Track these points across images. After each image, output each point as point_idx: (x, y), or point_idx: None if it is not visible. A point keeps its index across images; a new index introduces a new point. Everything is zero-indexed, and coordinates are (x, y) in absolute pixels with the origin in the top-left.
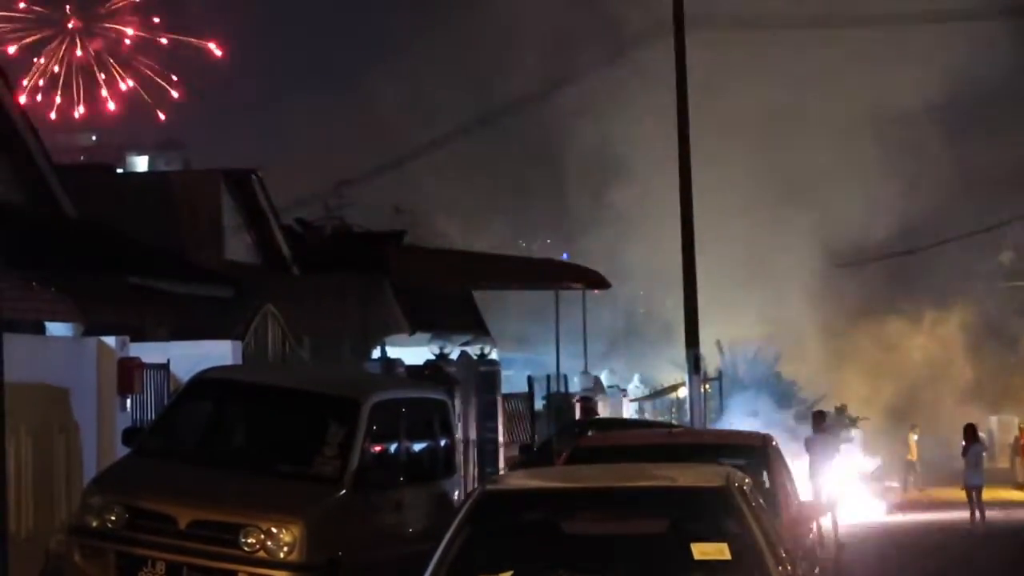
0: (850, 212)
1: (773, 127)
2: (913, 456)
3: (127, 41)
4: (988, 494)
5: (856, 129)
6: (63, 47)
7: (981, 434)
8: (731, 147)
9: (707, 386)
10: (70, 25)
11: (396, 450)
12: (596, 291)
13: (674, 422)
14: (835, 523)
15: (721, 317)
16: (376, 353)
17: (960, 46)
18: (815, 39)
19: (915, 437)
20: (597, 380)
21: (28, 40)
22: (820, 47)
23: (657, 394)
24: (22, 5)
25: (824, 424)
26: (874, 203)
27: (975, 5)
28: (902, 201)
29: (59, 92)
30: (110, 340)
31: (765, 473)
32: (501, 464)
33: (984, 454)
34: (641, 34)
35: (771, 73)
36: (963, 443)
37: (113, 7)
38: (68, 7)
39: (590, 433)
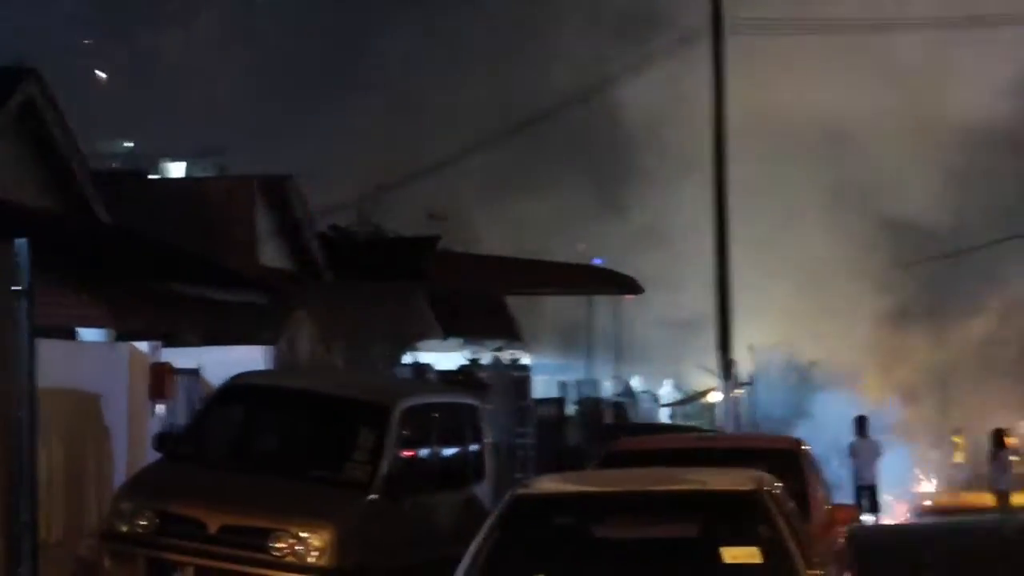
0: (901, 212)
1: (824, 130)
2: (960, 458)
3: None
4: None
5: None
6: None
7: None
8: (778, 147)
9: (740, 391)
10: None
11: (427, 455)
12: (629, 296)
13: (706, 427)
14: (877, 526)
15: (756, 320)
16: (408, 359)
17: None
18: (865, 41)
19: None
20: (629, 385)
21: None
22: (870, 49)
23: (689, 399)
24: None
25: (867, 428)
26: (926, 206)
27: None
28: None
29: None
30: (142, 345)
31: (796, 477)
32: (533, 469)
33: (1012, 459)
34: (684, 35)
35: (822, 74)
36: (991, 448)
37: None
38: None
39: (621, 438)
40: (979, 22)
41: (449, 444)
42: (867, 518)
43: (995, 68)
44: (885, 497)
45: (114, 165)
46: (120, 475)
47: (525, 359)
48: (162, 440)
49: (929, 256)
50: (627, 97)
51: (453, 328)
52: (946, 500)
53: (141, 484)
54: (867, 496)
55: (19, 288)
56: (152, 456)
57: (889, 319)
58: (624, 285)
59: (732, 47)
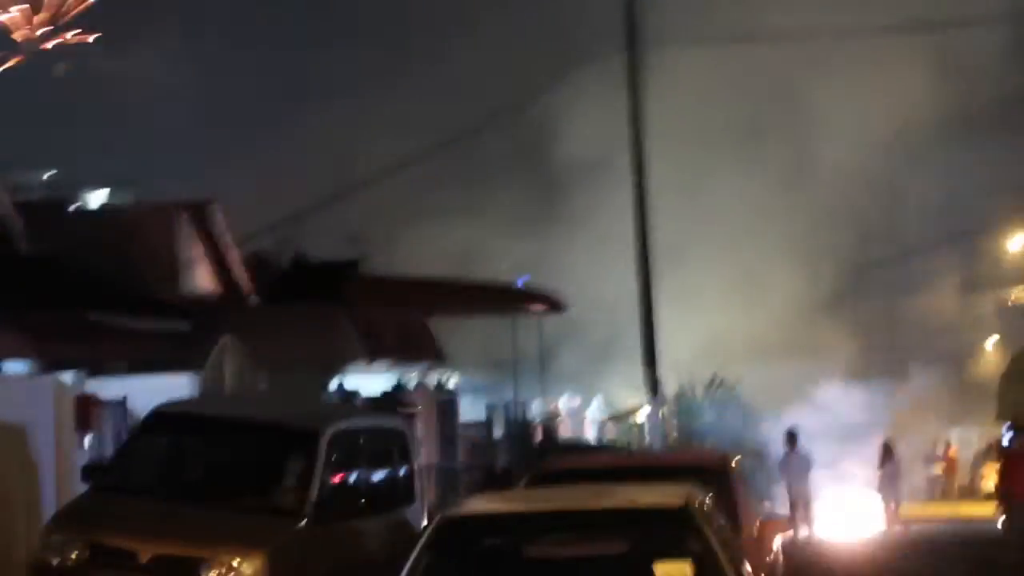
0: (837, 235)
1: (760, 141)
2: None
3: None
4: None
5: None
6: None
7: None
8: (720, 163)
9: (666, 409)
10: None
11: (356, 480)
12: (553, 314)
13: (635, 444)
14: (811, 539)
15: (685, 338)
16: (335, 384)
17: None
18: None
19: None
20: (556, 405)
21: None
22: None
23: (617, 417)
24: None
25: (796, 443)
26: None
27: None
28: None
29: None
30: (67, 375)
31: (726, 491)
32: (463, 491)
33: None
34: (605, 50)
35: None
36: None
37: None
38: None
39: (550, 458)
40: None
41: (378, 468)
42: (802, 530)
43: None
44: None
45: (33, 196)
46: (49, 507)
47: (451, 381)
48: (90, 471)
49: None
50: (548, 113)
51: (378, 352)
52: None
53: (71, 515)
54: (801, 508)
55: None
56: (80, 487)
57: (815, 327)
58: (548, 303)
59: (651, 58)
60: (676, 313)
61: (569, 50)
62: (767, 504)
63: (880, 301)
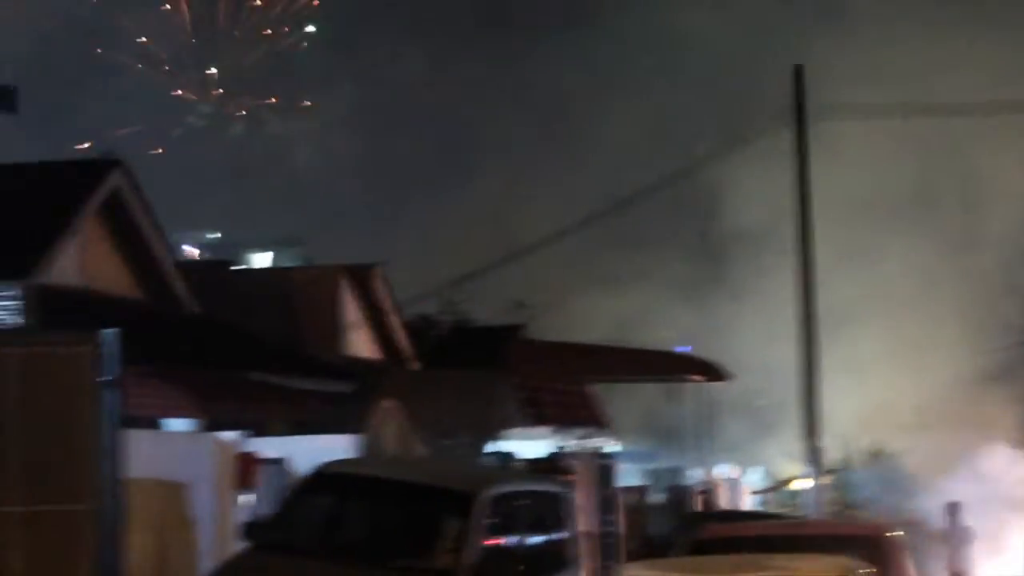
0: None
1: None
2: None
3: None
4: None
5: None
6: None
7: None
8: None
9: (827, 478)
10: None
11: (513, 543)
12: (715, 381)
13: (794, 514)
14: None
15: (847, 408)
16: (494, 447)
17: None
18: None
19: None
20: (716, 473)
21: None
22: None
23: (776, 486)
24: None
25: (957, 515)
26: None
27: None
28: None
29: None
30: (228, 434)
31: (885, 563)
32: (621, 557)
33: None
34: (766, 119)
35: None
36: None
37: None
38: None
39: (709, 525)
40: None
41: (535, 532)
42: None
43: None
44: None
45: (201, 256)
46: (206, 564)
47: (611, 446)
48: (250, 528)
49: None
50: (711, 183)
51: (538, 416)
52: None
53: (229, 572)
54: None
55: (107, 378)
56: (237, 546)
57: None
58: (711, 372)
59: (814, 131)
60: (839, 382)
61: (740, 122)
62: None
63: None
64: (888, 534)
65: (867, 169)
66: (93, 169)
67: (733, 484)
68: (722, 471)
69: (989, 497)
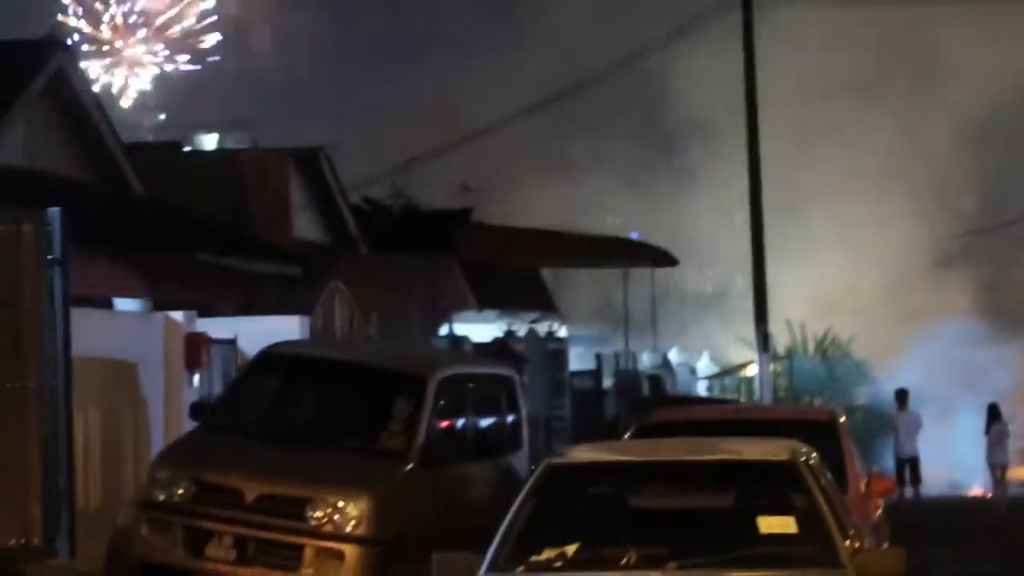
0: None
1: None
2: None
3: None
4: None
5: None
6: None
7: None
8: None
9: (777, 365)
10: None
11: (463, 425)
12: (664, 267)
13: (743, 400)
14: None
15: (797, 294)
16: (443, 331)
17: None
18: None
19: None
20: (666, 358)
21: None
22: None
23: (726, 372)
24: None
25: (906, 402)
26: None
27: None
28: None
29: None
30: (177, 315)
31: (832, 448)
32: (569, 440)
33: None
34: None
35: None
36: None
37: None
38: None
39: (657, 410)
40: None
41: (485, 415)
42: (908, 490)
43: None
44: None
45: (148, 138)
46: (156, 444)
47: (561, 331)
48: (198, 409)
49: (973, 229)
50: (661, 70)
51: (488, 300)
52: None
53: (178, 453)
54: (909, 468)
55: (53, 257)
56: (188, 425)
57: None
58: (659, 257)
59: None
60: (791, 270)
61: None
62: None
63: (992, 266)
64: (835, 419)
65: (822, 54)
66: (37, 50)
67: (684, 370)
68: (672, 356)
69: (938, 378)
